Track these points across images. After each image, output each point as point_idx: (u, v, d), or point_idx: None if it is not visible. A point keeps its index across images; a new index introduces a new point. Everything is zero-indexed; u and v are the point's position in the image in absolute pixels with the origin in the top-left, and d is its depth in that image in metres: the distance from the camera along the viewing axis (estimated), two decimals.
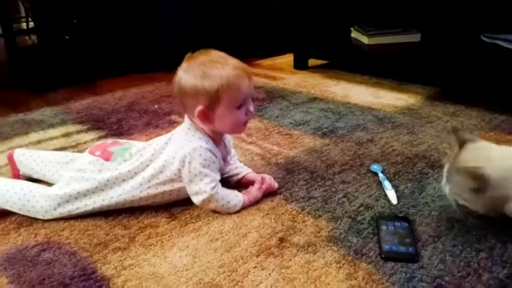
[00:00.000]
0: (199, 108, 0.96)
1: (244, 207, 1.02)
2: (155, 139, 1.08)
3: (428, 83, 1.83)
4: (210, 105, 0.96)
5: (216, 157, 1.00)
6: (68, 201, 0.99)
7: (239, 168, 1.14)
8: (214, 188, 0.98)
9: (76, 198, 0.99)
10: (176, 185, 1.00)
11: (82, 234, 0.95)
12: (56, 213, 0.99)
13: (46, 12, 2.07)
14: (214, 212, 1.01)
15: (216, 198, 0.98)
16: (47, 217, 0.99)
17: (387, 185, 1.10)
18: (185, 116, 1.04)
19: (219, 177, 1.01)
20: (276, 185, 1.09)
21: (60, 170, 1.10)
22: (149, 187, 0.99)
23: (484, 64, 1.71)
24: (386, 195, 1.07)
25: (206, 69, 0.95)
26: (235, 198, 1.01)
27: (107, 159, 1.03)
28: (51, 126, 1.59)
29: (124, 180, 1.00)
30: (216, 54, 0.99)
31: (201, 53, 0.99)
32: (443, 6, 2.04)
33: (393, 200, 1.05)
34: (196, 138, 0.99)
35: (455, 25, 2.03)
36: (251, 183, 1.09)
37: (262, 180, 1.08)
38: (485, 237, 0.90)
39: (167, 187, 1.00)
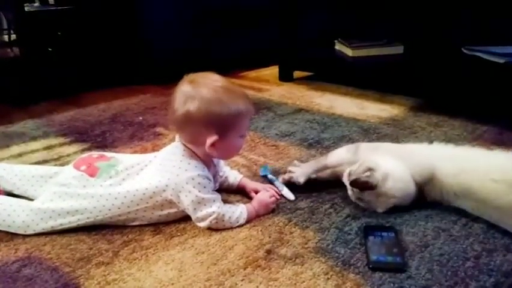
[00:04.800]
0: (214, 138, 0.94)
1: (252, 218, 1.01)
2: (143, 157, 1.07)
3: (411, 94, 1.86)
4: (222, 133, 0.95)
5: (210, 180, 0.99)
6: (51, 216, 0.96)
7: (231, 175, 1.15)
8: (219, 207, 0.97)
9: (59, 215, 0.96)
10: (166, 211, 0.99)
11: (64, 249, 0.93)
12: (39, 229, 0.97)
13: (29, 24, 2.05)
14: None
15: (223, 214, 0.97)
16: (29, 232, 0.97)
17: (278, 185, 1.13)
18: (177, 139, 1.02)
19: (218, 195, 1.01)
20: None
21: (44, 184, 1.07)
22: (137, 210, 0.97)
23: (465, 75, 1.75)
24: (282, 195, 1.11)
25: (222, 97, 0.94)
26: (238, 209, 1.01)
27: (92, 175, 1.00)
28: (33, 139, 1.56)
29: (109, 201, 0.97)
30: (221, 79, 0.98)
31: (204, 77, 0.97)
32: (425, 19, 2.08)
33: (291, 196, 1.10)
34: (192, 166, 0.97)
35: (437, 38, 2.07)
36: (246, 188, 1.12)
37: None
38: (471, 246, 0.90)
39: (157, 212, 0.99)
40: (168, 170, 0.97)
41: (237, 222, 0.99)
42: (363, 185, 1.00)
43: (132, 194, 0.97)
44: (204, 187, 0.96)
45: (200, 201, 0.95)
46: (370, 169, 1.01)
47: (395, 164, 1.04)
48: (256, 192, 1.10)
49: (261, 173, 1.22)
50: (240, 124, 0.98)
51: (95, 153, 1.10)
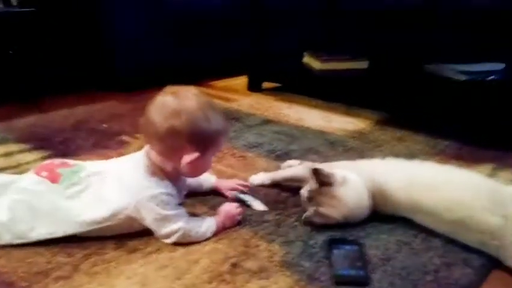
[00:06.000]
0: (195, 155, 0.93)
1: (220, 231, 1.01)
2: (106, 164, 1.05)
3: (376, 107, 1.90)
4: (202, 151, 0.94)
5: (173, 195, 0.97)
6: (9, 229, 0.92)
7: (205, 180, 1.16)
8: (185, 221, 0.96)
9: (18, 225, 0.93)
10: (128, 224, 0.96)
11: (20, 263, 0.89)
12: (2, 241, 0.93)
13: None
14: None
15: (190, 229, 0.95)
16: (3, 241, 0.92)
17: (248, 198, 1.14)
18: (144, 152, 0.99)
19: (183, 209, 1.00)
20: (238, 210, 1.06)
21: (2, 193, 0.99)
22: (100, 228, 0.94)
23: (427, 91, 1.81)
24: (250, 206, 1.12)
25: (208, 113, 0.92)
26: (205, 222, 0.99)
27: (53, 181, 0.96)
28: None
29: (70, 217, 0.94)
30: (202, 95, 0.96)
31: (187, 90, 0.95)
32: (390, 36, 2.15)
33: (261, 207, 1.12)
34: (154, 183, 0.94)
35: (400, 54, 2.14)
36: (221, 190, 1.16)
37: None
38: (431, 260, 0.93)
39: (118, 227, 0.96)
40: (129, 188, 0.95)
41: (204, 236, 0.98)
42: (324, 177, 1.01)
43: (93, 215, 0.94)
44: (167, 204, 0.94)
45: (163, 218, 0.94)
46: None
47: (353, 176, 1.06)
48: (232, 190, 1.14)
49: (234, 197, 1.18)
50: (220, 142, 0.98)
51: (57, 160, 1.05)
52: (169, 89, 0.95)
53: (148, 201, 0.93)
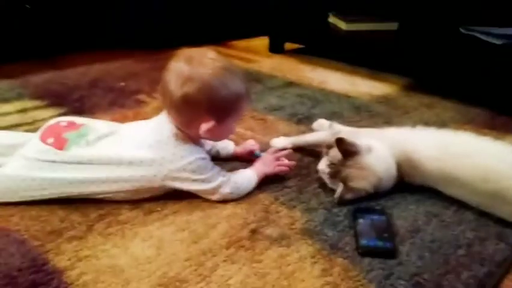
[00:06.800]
0: (211, 124, 0.88)
1: (261, 177, 1.00)
2: (118, 126, 1.01)
3: (403, 72, 1.81)
4: (220, 119, 0.89)
5: (207, 158, 0.95)
6: (29, 185, 0.89)
7: (222, 147, 1.13)
8: (224, 175, 0.95)
9: (30, 186, 0.89)
10: (145, 191, 0.93)
11: (33, 221, 0.86)
12: (16, 197, 0.90)
13: None
14: (182, 200, 0.94)
15: (235, 181, 0.95)
16: (5, 200, 0.90)
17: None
18: (167, 119, 0.93)
19: (218, 168, 0.97)
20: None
21: (12, 154, 0.95)
22: (117, 191, 0.91)
23: (460, 56, 1.69)
24: None
25: (223, 79, 0.87)
26: (244, 172, 0.99)
27: (60, 148, 0.90)
28: (6, 100, 1.46)
29: (83, 165, 0.90)
30: (220, 58, 0.90)
31: (202, 55, 0.88)
32: None
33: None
34: (188, 152, 0.91)
35: (434, 15, 2.01)
36: (242, 155, 1.12)
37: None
38: (463, 233, 0.87)
39: (139, 193, 0.93)
40: (160, 155, 0.90)
41: (248, 187, 0.97)
42: (348, 147, 0.95)
43: (109, 157, 0.90)
44: (205, 168, 0.93)
45: (204, 179, 0.92)
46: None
47: (377, 144, 1.00)
48: (251, 152, 1.10)
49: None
50: (240, 107, 0.92)
51: (64, 120, 0.99)
52: (184, 53, 0.89)
53: (183, 169, 0.90)
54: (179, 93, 0.85)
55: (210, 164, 0.95)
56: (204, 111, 0.87)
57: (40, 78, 1.69)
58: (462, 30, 1.90)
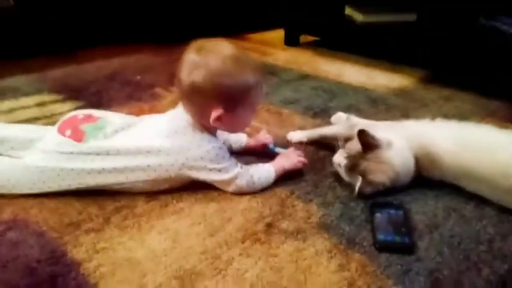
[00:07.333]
0: (219, 112, 0.88)
1: (280, 173, 1.00)
2: (135, 118, 1.01)
3: (420, 64, 1.77)
4: (229, 107, 0.88)
5: (223, 148, 0.95)
6: (48, 176, 0.90)
7: (235, 140, 1.12)
8: (242, 167, 0.95)
9: (50, 177, 0.90)
10: (165, 177, 0.93)
11: (52, 213, 0.87)
12: (35, 188, 0.91)
13: None
14: (197, 193, 0.94)
15: (251, 175, 0.95)
16: (24, 191, 0.91)
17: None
18: (185, 112, 0.93)
19: (235, 160, 0.97)
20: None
21: (30, 147, 0.97)
22: (135, 181, 0.92)
23: (480, 47, 1.65)
24: None
25: (230, 68, 0.86)
26: (263, 166, 0.98)
27: (78, 140, 0.91)
28: (25, 94, 1.48)
29: (100, 156, 0.90)
30: (232, 47, 0.89)
31: (213, 44, 0.88)
32: None
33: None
34: (206, 141, 0.91)
35: (453, 6, 1.96)
36: (255, 148, 1.11)
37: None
38: (484, 229, 0.85)
39: (157, 184, 0.93)
40: (177, 140, 0.91)
41: (267, 181, 0.97)
42: (370, 140, 0.94)
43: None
44: (223, 157, 0.93)
45: (221, 169, 0.92)
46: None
47: (396, 138, 0.98)
48: (265, 145, 1.10)
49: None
50: (249, 98, 0.91)
51: (81, 113, 1.00)
52: (196, 43, 0.89)
53: (201, 157, 0.90)
54: (188, 82, 0.86)
55: (227, 154, 0.95)
56: (211, 99, 0.87)
57: (59, 72, 1.71)
58: (482, 21, 1.85)
